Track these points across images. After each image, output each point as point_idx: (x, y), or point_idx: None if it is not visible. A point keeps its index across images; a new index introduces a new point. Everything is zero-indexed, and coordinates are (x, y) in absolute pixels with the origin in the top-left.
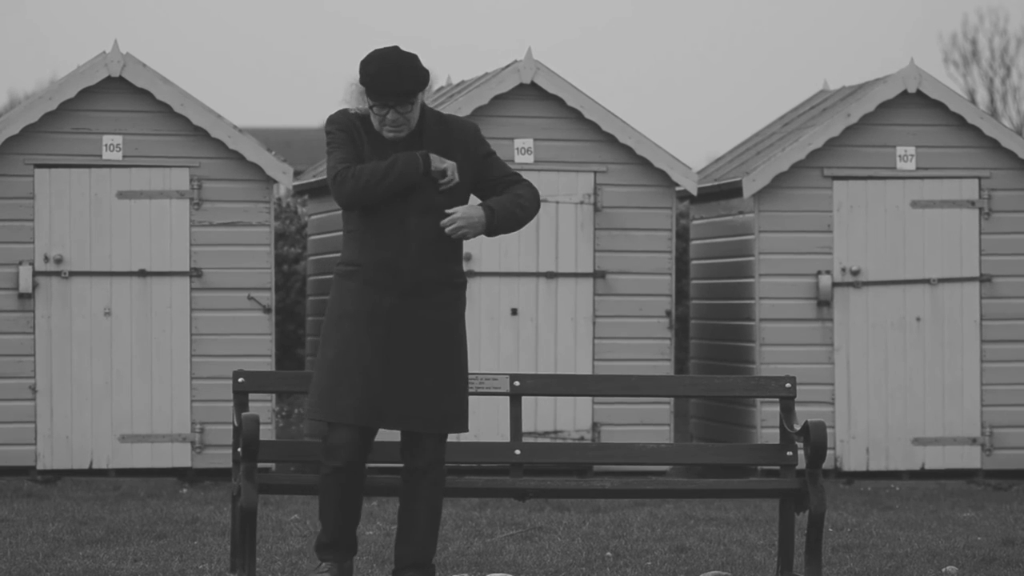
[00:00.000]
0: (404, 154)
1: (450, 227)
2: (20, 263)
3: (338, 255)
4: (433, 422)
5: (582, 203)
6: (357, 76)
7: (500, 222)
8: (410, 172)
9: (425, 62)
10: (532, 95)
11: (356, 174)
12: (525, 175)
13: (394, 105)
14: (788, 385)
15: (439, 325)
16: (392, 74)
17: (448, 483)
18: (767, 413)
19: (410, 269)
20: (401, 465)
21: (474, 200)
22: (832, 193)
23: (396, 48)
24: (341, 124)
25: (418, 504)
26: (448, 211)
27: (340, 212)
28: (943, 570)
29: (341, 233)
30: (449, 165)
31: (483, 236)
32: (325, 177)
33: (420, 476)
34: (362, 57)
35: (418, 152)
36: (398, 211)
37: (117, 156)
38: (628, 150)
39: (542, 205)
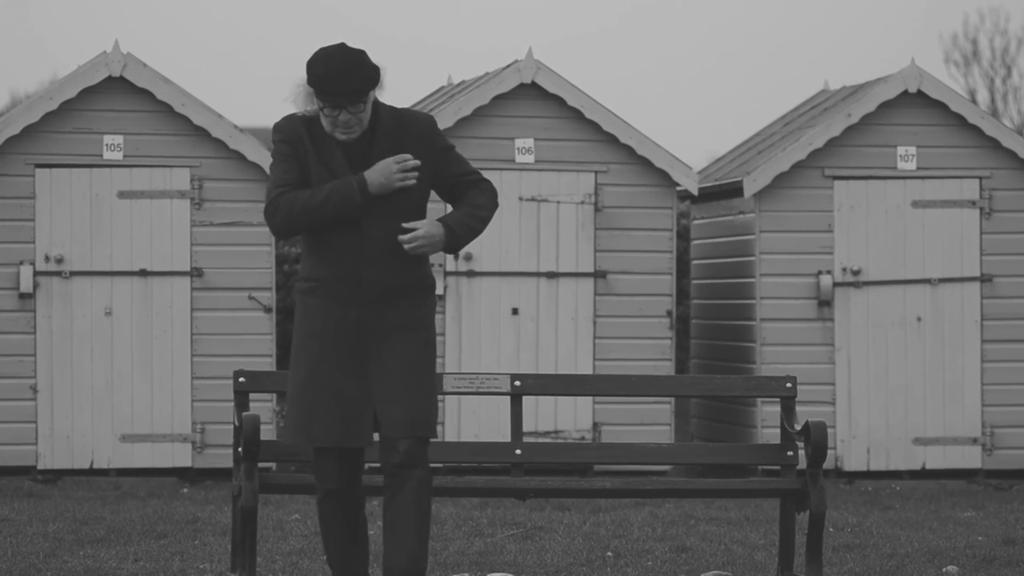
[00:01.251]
0: (341, 186)
1: (409, 245)
2: (21, 263)
3: None
4: (400, 425)
5: (583, 203)
6: (304, 77)
7: (460, 239)
8: (346, 207)
9: (424, 62)
10: (533, 95)
11: (289, 204)
12: (526, 175)
13: (345, 105)
14: (789, 385)
15: (407, 329)
16: (340, 74)
17: (448, 483)
18: (768, 413)
19: (373, 278)
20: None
21: (433, 195)
22: (833, 193)
23: (343, 46)
24: (284, 134)
25: (402, 508)
26: (406, 225)
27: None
28: (944, 570)
29: None
30: (409, 162)
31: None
32: None
33: (400, 475)
34: (308, 58)
35: (355, 180)
36: (354, 219)
37: (118, 156)
38: (629, 150)
39: (543, 205)
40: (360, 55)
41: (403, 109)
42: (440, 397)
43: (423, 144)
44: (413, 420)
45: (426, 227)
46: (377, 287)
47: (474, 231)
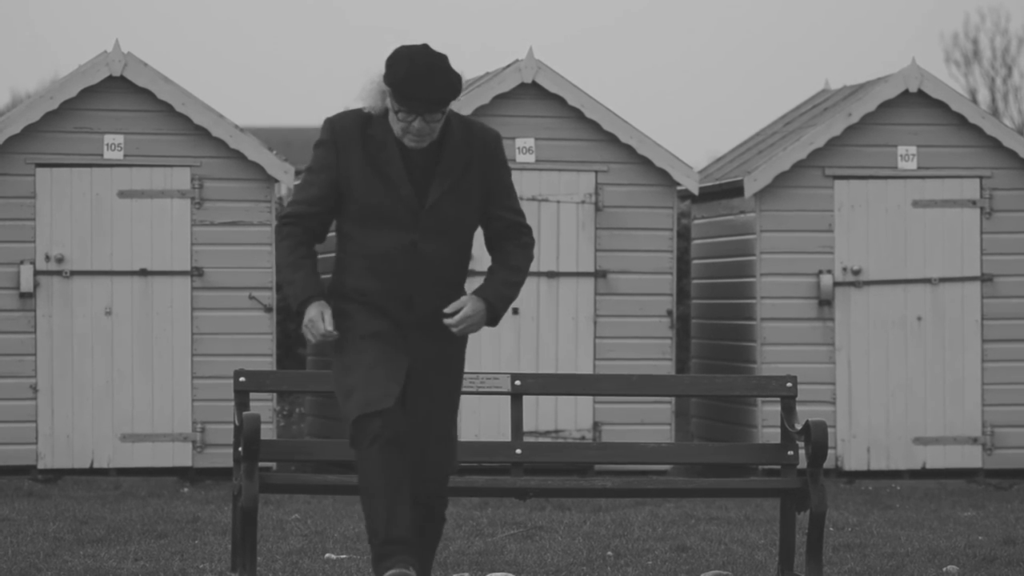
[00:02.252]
0: (297, 287)
1: (457, 327)
2: (21, 262)
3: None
4: (431, 466)
5: (583, 202)
6: (382, 73)
7: (499, 315)
8: (291, 304)
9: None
10: (533, 94)
11: (279, 245)
12: (526, 175)
13: (423, 113)
14: (789, 384)
15: (448, 359)
16: (425, 79)
17: (448, 483)
18: (768, 412)
19: (424, 302)
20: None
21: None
22: (833, 192)
23: (427, 47)
24: (333, 134)
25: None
26: (449, 309)
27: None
28: (944, 569)
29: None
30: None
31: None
32: None
33: (423, 511)
34: (388, 55)
35: (300, 300)
36: (409, 234)
37: (118, 155)
38: (629, 149)
39: (543, 205)
40: (445, 60)
41: (471, 119)
42: None
43: (487, 162)
44: (443, 463)
45: (470, 305)
46: (427, 309)
47: (510, 301)
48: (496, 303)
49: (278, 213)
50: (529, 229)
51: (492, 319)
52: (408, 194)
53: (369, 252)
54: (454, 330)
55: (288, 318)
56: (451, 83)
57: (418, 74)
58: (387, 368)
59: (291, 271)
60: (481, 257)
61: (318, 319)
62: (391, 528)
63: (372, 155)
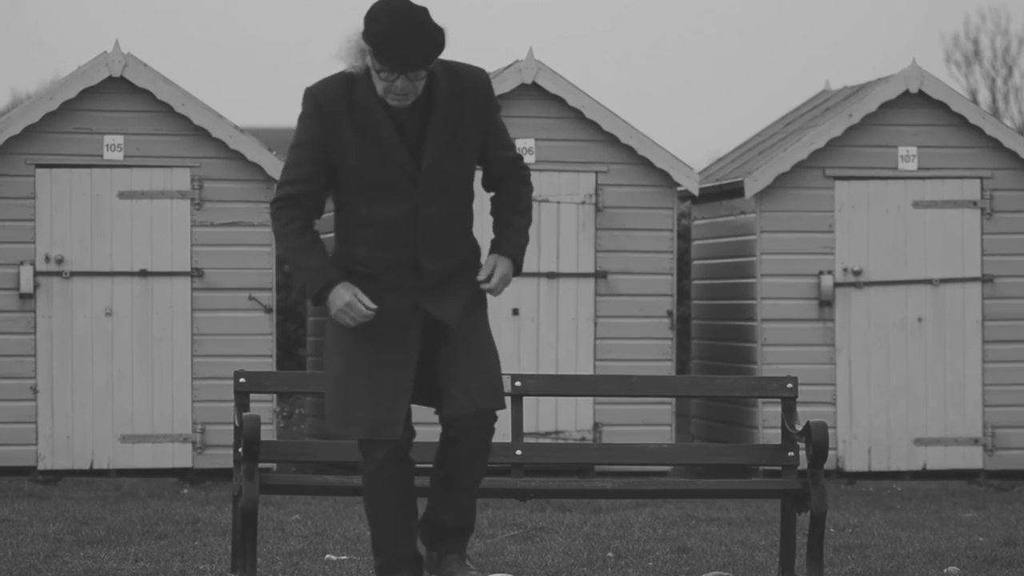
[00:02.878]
0: (313, 277)
1: (495, 292)
2: (21, 263)
3: None
4: (478, 395)
5: (583, 203)
6: (360, 30)
7: (521, 264)
8: (306, 288)
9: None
10: (533, 95)
11: (278, 231)
12: None
13: (406, 71)
14: (790, 385)
15: (463, 305)
16: (406, 36)
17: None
18: (768, 413)
19: (433, 267)
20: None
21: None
22: (834, 193)
23: (407, 1)
24: (316, 106)
25: (460, 456)
26: (481, 276)
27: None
28: (945, 571)
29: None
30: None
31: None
32: None
33: (462, 425)
34: (367, 8)
35: (321, 285)
36: (409, 199)
37: (118, 156)
38: (629, 150)
39: (543, 205)
40: (426, 14)
41: (457, 63)
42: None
43: (479, 108)
44: (491, 392)
45: (500, 267)
46: (437, 275)
47: (525, 247)
48: (518, 257)
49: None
50: (523, 162)
51: (517, 271)
52: (404, 159)
53: (370, 222)
54: (492, 295)
55: (288, 319)
56: (434, 39)
57: (398, 31)
58: (395, 375)
59: (303, 256)
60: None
61: (355, 302)
62: (399, 546)
63: (360, 123)
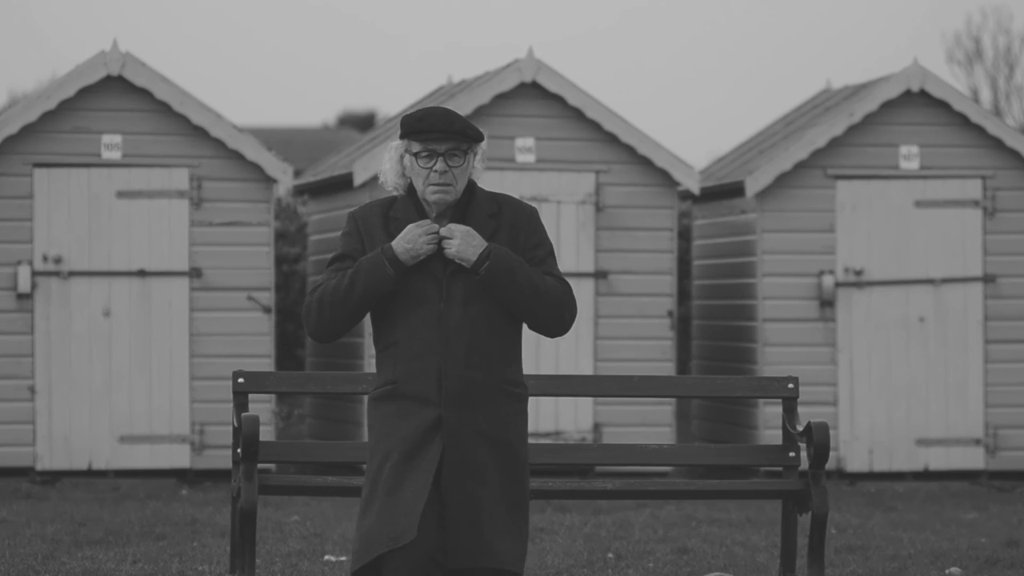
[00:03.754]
0: (368, 259)
1: (444, 230)
2: (19, 263)
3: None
4: (485, 556)
5: (584, 203)
6: (397, 136)
7: (494, 266)
8: (378, 279)
9: (425, 60)
10: (533, 94)
11: (320, 298)
12: (526, 175)
13: (443, 152)
14: (791, 386)
15: (498, 445)
16: (441, 115)
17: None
18: (769, 414)
19: (456, 374)
20: None
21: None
22: (835, 192)
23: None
24: (354, 223)
25: None
26: (448, 228)
27: (345, 212)
28: (946, 572)
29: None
30: (453, 231)
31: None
32: (326, 177)
33: None
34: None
35: (381, 251)
36: (433, 305)
37: (116, 155)
38: (630, 149)
39: (543, 205)
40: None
41: (504, 195)
42: None
43: (516, 233)
44: (501, 552)
45: (466, 232)
46: (460, 384)
47: (512, 271)
48: (496, 250)
49: (276, 213)
50: (569, 288)
51: (482, 260)
52: (433, 265)
53: (399, 335)
54: (441, 231)
55: (287, 319)
56: (468, 122)
57: (436, 112)
58: (411, 484)
59: (344, 282)
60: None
61: (411, 228)
62: None
63: (393, 232)
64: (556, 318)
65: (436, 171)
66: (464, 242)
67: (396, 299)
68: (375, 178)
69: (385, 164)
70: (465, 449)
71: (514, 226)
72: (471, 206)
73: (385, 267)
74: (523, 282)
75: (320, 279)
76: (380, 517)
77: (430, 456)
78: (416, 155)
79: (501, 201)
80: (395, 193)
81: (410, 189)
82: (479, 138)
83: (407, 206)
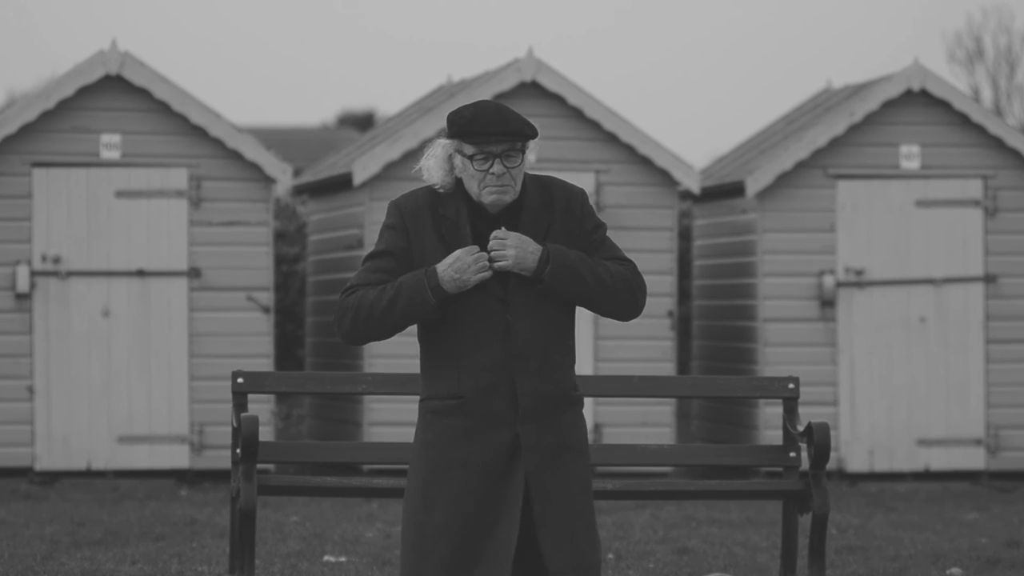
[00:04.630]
0: (411, 283)
1: (495, 241)
2: (17, 263)
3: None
4: (583, 569)
5: None
6: (443, 135)
7: (555, 270)
8: (418, 309)
9: (425, 59)
10: (533, 94)
11: (356, 307)
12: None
13: (499, 154)
14: (791, 386)
15: (571, 451)
16: (496, 112)
17: None
18: (770, 414)
19: (531, 389)
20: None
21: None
22: (836, 192)
23: (487, 100)
24: (397, 215)
25: None
26: (497, 236)
27: (345, 212)
28: (947, 572)
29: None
30: (482, 255)
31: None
32: (326, 176)
33: None
34: (447, 117)
35: (425, 276)
36: (497, 318)
37: (115, 155)
38: (630, 149)
39: None
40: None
41: (551, 178)
42: None
43: (571, 222)
44: (586, 566)
45: (520, 237)
46: (535, 398)
47: (573, 269)
48: (555, 252)
49: (275, 212)
50: (634, 266)
51: (542, 267)
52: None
53: (459, 348)
54: (492, 243)
55: (287, 319)
56: (524, 118)
57: (488, 109)
58: (492, 540)
59: (387, 292)
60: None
61: (460, 253)
62: None
63: (446, 236)
64: (628, 303)
65: (493, 174)
66: (520, 251)
67: (452, 306)
68: (375, 178)
69: (429, 160)
70: (545, 467)
71: (568, 212)
72: (522, 198)
73: (427, 294)
74: (588, 277)
75: (357, 278)
76: (469, 563)
77: (514, 488)
78: (470, 158)
79: (550, 186)
80: (439, 189)
81: (458, 184)
82: (535, 134)
83: (458, 204)
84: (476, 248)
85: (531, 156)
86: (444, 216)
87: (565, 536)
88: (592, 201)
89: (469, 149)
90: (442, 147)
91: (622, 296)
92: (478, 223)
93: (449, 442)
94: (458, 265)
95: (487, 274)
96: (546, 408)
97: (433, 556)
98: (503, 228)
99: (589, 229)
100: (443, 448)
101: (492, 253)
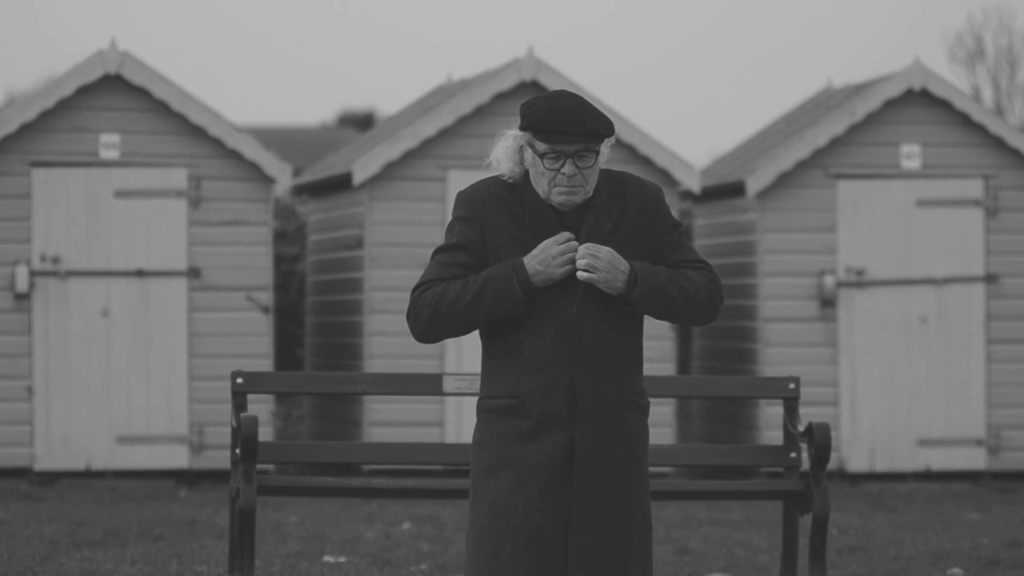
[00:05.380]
0: (497, 276)
1: (582, 260)
2: (16, 263)
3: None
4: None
5: None
6: (515, 127)
7: (643, 291)
8: (505, 305)
9: (425, 59)
10: (533, 93)
11: (434, 303)
12: None
13: (572, 154)
14: (792, 386)
15: (628, 465)
16: (570, 109)
17: (449, 484)
18: (771, 414)
19: (590, 390)
20: (409, 468)
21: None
22: (836, 192)
23: (565, 90)
24: (468, 205)
25: None
26: (589, 253)
27: (345, 212)
28: (948, 573)
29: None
30: (572, 243)
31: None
32: (325, 176)
33: None
34: (521, 107)
35: (512, 270)
36: (565, 315)
37: (114, 155)
38: (630, 148)
39: None
40: (586, 99)
41: (624, 173)
42: (440, 398)
43: (644, 216)
44: (628, 570)
45: (611, 253)
46: (594, 401)
47: (666, 294)
48: (642, 271)
49: (275, 212)
50: (711, 269)
51: (630, 288)
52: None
53: (520, 345)
54: (579, 262)
55: (286, 319)
56: (601, 115)
57: (562, 105)
58: (552, 532)
59: (471, 285)
60: None
61: (548, 243)
62: None
63: (521, 218)
64: (709, 313)
65: (564, 174)
66: (610, 271)
67: None
68: (374, 178)
69: (499, 150)
70: (598, 478)
71: (642, 209)
72: (592, 200)
73: (515, 289)
74: (675, 294)
75: (429, 272)
76: (518, 559)
77: (563, 495)
78: (542, 155)
79: (625, 182)
80: (508, 179)
81: (527, 175)
82: (611, 133)
83: (530, 192)
84: (565, 236)
85: (605, 151)
86: (521, 203)
87: (604, 561)
88: None
89: (541, 146)
90: (513, 138)
91: (704, 307)
92: (557, 210)
93: (502, 442)
94: (543, 257)
95: (571, 268)
96: (606, 412)
97: (477, 557)
98: (589, 242)
99: (665, 228)
100: (495, 448)
101: (581, 262)
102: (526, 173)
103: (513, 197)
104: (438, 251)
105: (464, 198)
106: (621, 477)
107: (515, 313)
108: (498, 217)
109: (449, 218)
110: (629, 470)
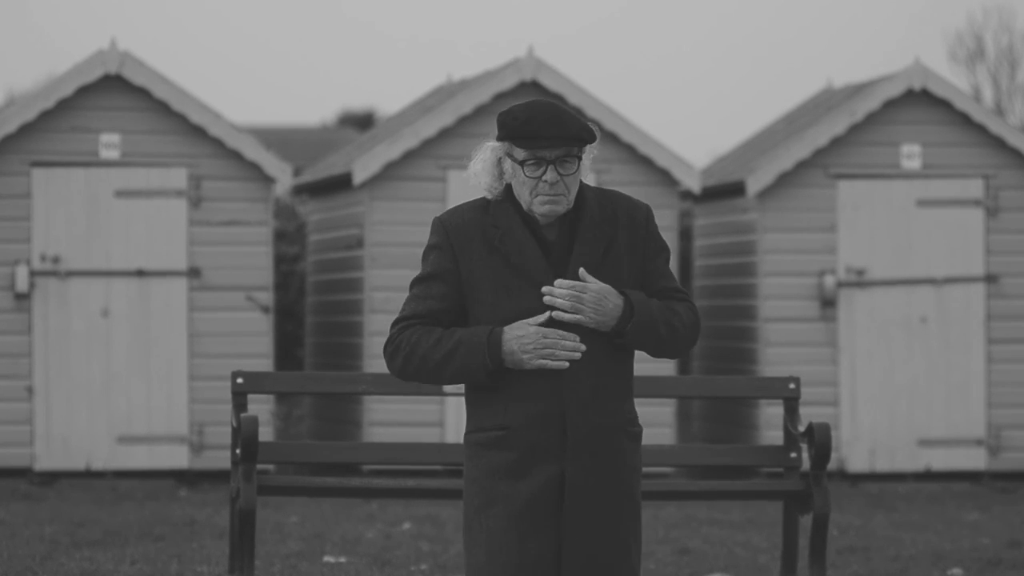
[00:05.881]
0: (468, 340)
1: (566, 303)
2: (16, 263)
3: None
4: None
5: None
6: (493, 138)
7: (636, 327)
8: (473, 368)
9: (425, 59)
10: (533, 93)
11: (408, 352)
12: None
13: (554, 159)
14: (792, 386)
15: (621, 496)
16: (550, 114)
17: (449, 484)
18: (771, 414)
19: (581, 421)
20: (409, 468)
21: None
22: (836, 192)
23: (541, 99)
24: (442, 232)
25: None
26: (573, 295)
27: (345, 211)
28: (948, 573)
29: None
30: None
31: None
32: (325, 176)
33: None
34: (497, 118)
35: (487, 342)
36: None
37: (114, 155)
38: (630, 148)
39: None
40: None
41: (615, 192)
42: (440, 398)
43: (635, 238)
44: None
45: (602, 287)
46: (585, 430)
47: (655, 322)
48: (639, 305)
49: (275, 212)
50: (694, 306)
51: (624, 321)
52: (547, 282)
53: (506, 375)
54: (564, 305)
55: (286, 319)
56: (581, 122)
57: (542, 110)
58: (498, 570)
59: (444, 344)
60: None
61: (533, 328)
62: None
63: (499, 247)
64: (684, 349)
65: (546, 181)
66: (598, 311)
67: (502, 311)
68: (374, 177)
69: (477, 165)
70: (589, 512)
71: (632, 229)
72: (581, 209)
73: (485, 359)
74: (664, 332)
75: (407, 308)
76: None
77: (553, 526)
78: (522, 163)
79: (614, 200)
80: (487, 196)
81: (508, 191)
82: (593, 139)
83: (508, 212)
84: (542, 317)
85: (587, 161)
86: (495, 226)
87: None
88: None
89: (520, 154)
90: (491, 150)
91: (684, 344)
92: (533, 230)
93: (491, 478)
94: (520, 343)
95: (547, 364)
96: (597, 442)
97: None
98: (582, 270)
99: (653, 251)
100: (485, 484)
101: (559, 303)
102: (507, 188)
103: (488, 219)
104: (415, 282)
105: (438, 224)
106: (613, 510)
107: (481, 383)
108: (472, 243)
109: None
110: (622, 502)
